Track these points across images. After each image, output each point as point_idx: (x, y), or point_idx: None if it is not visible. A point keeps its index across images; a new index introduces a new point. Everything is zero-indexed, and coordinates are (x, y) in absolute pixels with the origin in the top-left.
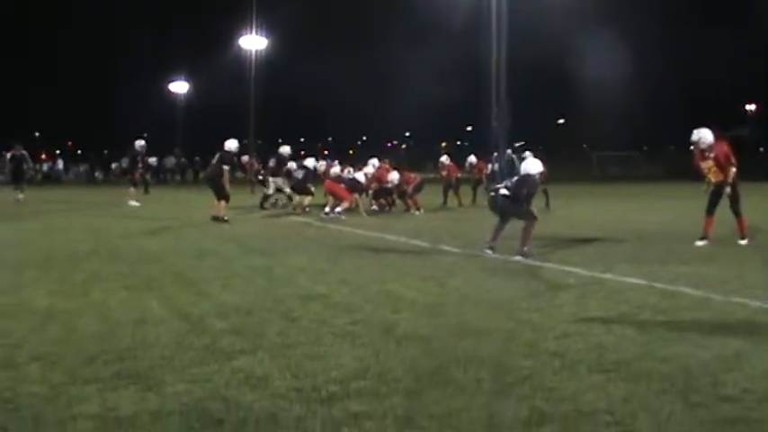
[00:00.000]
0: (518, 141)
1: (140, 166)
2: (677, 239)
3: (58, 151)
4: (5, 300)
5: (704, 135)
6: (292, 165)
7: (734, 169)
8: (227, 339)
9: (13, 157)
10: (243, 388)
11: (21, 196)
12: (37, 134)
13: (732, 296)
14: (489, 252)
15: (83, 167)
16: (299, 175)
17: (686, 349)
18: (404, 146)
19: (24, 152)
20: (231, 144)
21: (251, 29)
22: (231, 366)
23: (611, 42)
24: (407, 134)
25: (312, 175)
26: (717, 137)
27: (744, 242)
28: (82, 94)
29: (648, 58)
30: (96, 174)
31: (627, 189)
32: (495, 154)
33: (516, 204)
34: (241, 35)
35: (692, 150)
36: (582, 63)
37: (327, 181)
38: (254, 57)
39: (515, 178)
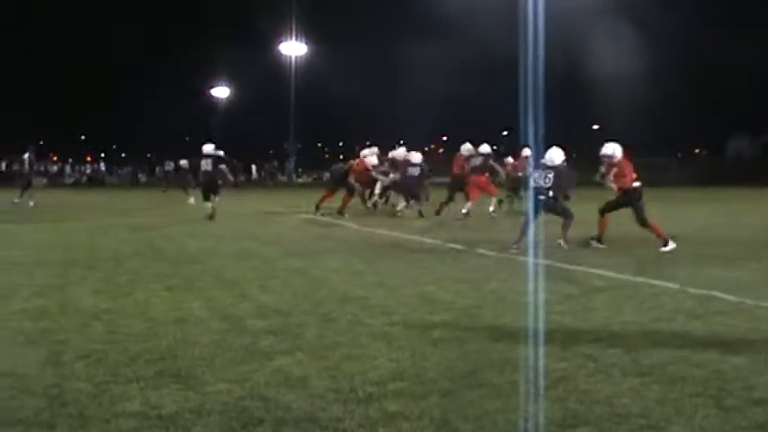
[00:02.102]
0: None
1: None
2: (709, 243)
3: (102, 154)
4: (51, 299)
5: (616, 148)
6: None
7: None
8: (266, 340)
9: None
10: (282, 388)
11: (31, 203)
12: (83, 137)
13: (765, 301)
14: (514, 250)
15: (126, 170)
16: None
17: (720, 354)
18: (441, 150)
19: (26, 156)
20: (208, 148)
21: (291, 35)
22: (270, 366)
23: (643, 46)
24: (444, 138)
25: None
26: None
27: (667, 248)
28: (125, 98)
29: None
30: (140, 176)
31: (658, 194)
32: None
33: (554, 200)
34: (281, 41)
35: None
36: (615, 69)
37: (473, 177)
38: (293, 62)
39: (543, 172)
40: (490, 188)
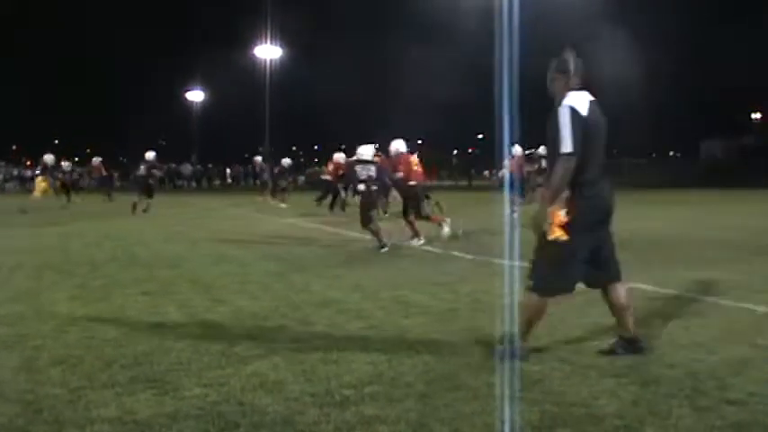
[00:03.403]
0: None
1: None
2: (684, 245)
3: (76, 158)
4: (26, 304)
5: (399, 145)
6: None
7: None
8: (242, 344)
9: None
10: (258, 392)
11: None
12: (56, 141)
13: (739, 302)
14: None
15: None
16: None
17: (694, 354)
18: (416, 153)
19: None
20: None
21: (266, 38)
22: (247, 371)
23: (619, 50)
24: (420, 141)
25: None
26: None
27: (415, 242)
28: (99, 102)
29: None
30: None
31: (633, 195)
32: (506, 161)
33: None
34: (256, 44)
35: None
36: (603, 68)
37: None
38: (268, 66)
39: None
40: None
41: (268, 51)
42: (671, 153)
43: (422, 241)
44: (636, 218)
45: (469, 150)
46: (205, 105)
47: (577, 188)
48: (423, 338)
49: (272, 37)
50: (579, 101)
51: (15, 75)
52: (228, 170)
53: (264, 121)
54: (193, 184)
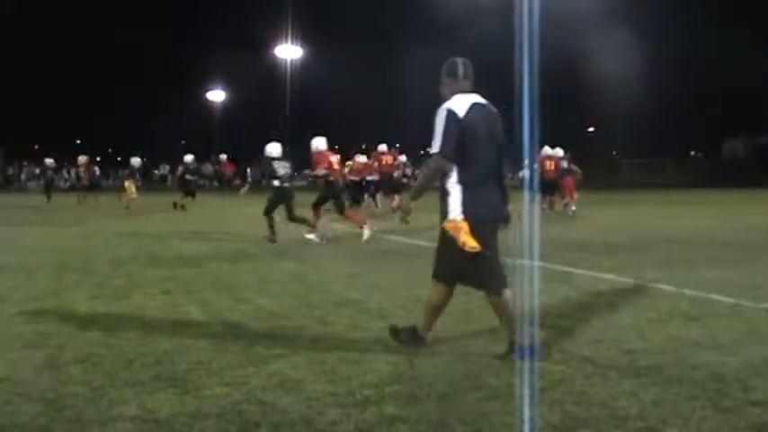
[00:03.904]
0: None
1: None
2: (705, 245)
3: (98, 158)
4: (48, 303)
5: (319, 143)
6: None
7: (321, 172)
8: (263, 343)
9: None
10: (278, 391)
11: None
12: (78, 141)
13: (762, 302)
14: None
15: (122, 173)
16: None
17: (717, 356)
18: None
19: None
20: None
21: (287, 38)
22: (267, 370)
23: (639, 48)
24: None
25: None
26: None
27: (310, 236)
28: (121, 102)
29: (675, 63)
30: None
31: (655, 196)
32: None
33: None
34: (277, 44)
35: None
36: (611, 70)
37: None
38: (289, 66)
39: (284, 163)
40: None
41: (288, 51)
42: (692, 153)
43: (371, 230)
44: (656, 218)
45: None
46: (226, 105)
47: (463, 189)
48: (443, 338)
49: (292, 37)
50: (460, 103)
51: (35, 75)
52: (249, 170)
53: (285, 120)
54: (215, 183)
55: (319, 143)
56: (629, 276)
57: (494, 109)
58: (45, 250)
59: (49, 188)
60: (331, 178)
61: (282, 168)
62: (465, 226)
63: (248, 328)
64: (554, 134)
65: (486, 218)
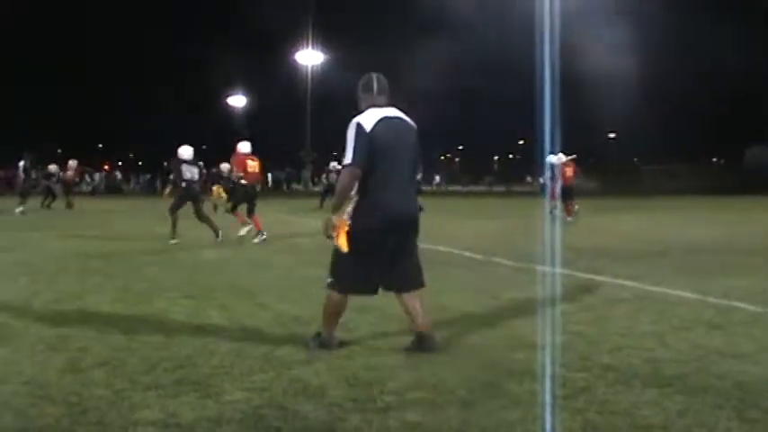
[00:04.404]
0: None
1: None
2: (728, 252)
3: (119, 162)
4: (70, 306)
5: (241, 146)
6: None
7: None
8: (284, 349)
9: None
10: (300, 397)
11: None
12: (100, 145)
13: None
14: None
15: (143, 178)
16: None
17: (740, 365)
18: (457, 159)
19: (21, 164)
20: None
21: (307, 43)
22: (289, 375)
23: (661, 54)
24: (460, 147)
25: None
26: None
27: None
28: (143, 107)
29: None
30: (157, 184)
31: (676, 203)
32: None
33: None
34: (298, 49)
35: None
36: (632, 76)
37: None
38: (310, 71)
39: (193, 167)
40: None
41: (309, 56)
42: (714, 159)
43: (262, 237)
44: (678, 225)
45: (509, 156)
46: (247, 110)
47: (361, 197)
48: (465, 344)
49: (313, 42)
50: (369, 117)
51: (64, 77)
52: (270, 175)
53: (306, 125)
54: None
55: (241, 146)
56: (651, 284)
57: (409, 122)
58: (67, 254)
59: (51, 193)
60: (244, 182)
61: (189, 172)
62: (345, 227)
63: (269, 334)
64: (574, 141)
65: (374, 227)
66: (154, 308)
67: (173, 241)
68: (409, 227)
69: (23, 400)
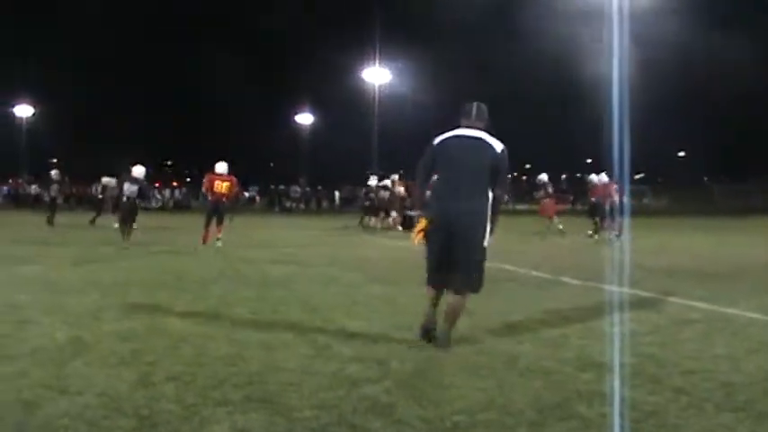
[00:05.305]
0: (637, 174)
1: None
2: None
3: (188, 179)
4: (140, 321)
5: (217, 166)
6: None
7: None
8: (353, 366)
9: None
10: (369, 415)
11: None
12: (168, 162)
13: None
14: None
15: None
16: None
17: None
18: (524, 177)
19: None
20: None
21: (375, 61)
22: (358, 393)
23: (728, 72)
24: (527, 166)
25: None
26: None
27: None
28: (210, 124)
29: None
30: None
31: (747, 222)
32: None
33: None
34: (365, 68)
35: None
36: (702, 94)
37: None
38: (377, 89)
39: (131, 185)
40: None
41: (376, 74)
42: None
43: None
44: (749, 245)
45: (577, 175)
46: (314, 128)
47: (429, 198)
48: (534, 365)
49: (380, 60)
50: (444, 134)
51: (132, 99)
52: (337, 193)
53: (373, 143)
54: (302, 206)
55: (218, 167)
56: (722, 305)
57: (486, 141)
58: (138, 267)
59: (98, 209)
60: (210, 198)
61: (128, 188)
62: (421, 225)
63: (338, 351)
64: (643, 159)
65: (442, 225)
66: (222, 323)
67: (123, 246)
68: (456, 225)
69: (96, 412)
